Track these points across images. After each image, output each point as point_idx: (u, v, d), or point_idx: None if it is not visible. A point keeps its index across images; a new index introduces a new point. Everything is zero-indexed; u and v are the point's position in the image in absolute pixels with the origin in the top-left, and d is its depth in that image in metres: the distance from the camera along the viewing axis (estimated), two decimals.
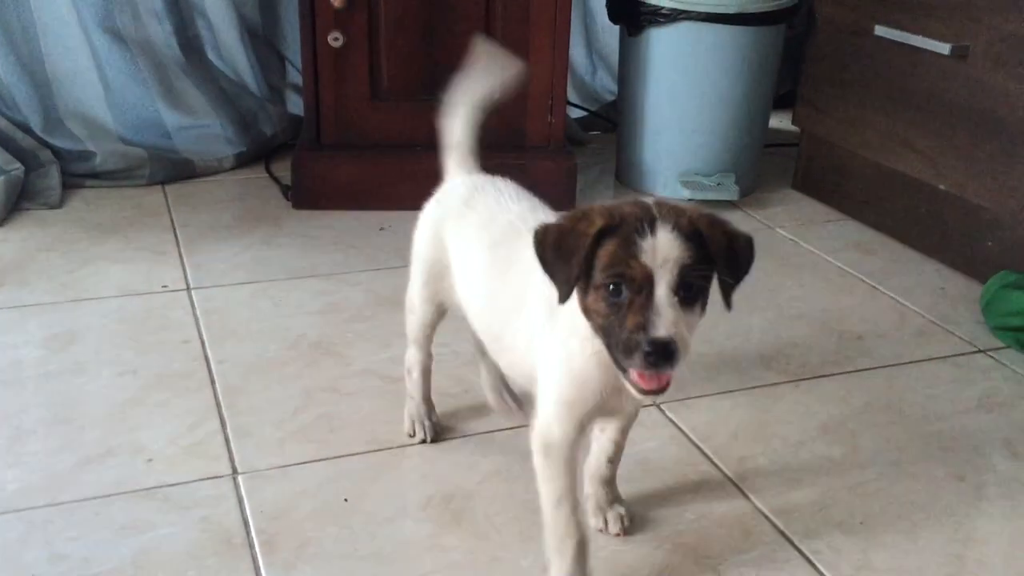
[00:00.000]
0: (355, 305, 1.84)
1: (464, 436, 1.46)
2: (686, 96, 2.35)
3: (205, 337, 1.69)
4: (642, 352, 0.92)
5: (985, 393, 1.62)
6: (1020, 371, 1.69)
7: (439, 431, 1.45)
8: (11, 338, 1.67)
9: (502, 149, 2.31)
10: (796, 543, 1.26)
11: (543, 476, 1.11)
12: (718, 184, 2.36)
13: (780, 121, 2.78)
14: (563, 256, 0.98)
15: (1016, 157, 1.88)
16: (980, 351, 1.76)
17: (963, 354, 1.75)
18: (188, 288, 1.87)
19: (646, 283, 0.94)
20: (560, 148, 2.34)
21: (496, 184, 1.33)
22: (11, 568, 1.16)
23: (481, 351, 1.42)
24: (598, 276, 0.96)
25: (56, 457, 1.37)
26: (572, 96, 2.79)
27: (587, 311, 0.99)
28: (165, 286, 1.87)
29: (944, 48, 1.96)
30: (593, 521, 1.27)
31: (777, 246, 2.19)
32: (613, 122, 2.75)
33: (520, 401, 1.46)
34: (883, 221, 2.26)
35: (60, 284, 1.87)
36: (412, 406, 1.46)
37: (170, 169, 2.37)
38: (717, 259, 0.97)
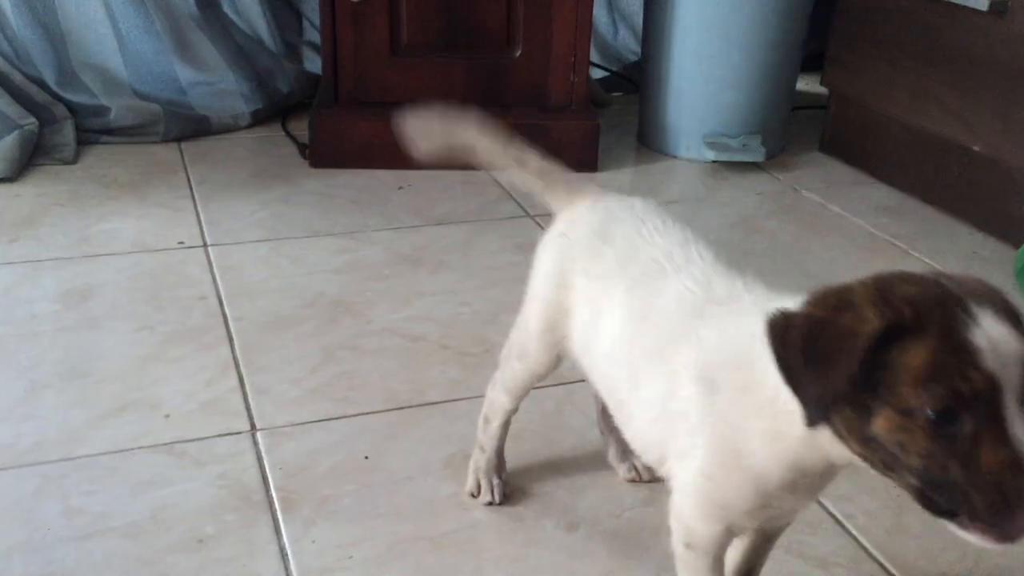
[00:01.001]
0: (374, 263, 1.81)
1: (483, 395, 1.43)
2: (712, 55, 2.30)
3: (222, 294, 1.67)
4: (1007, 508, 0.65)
5: None
6: None
7: (508, 492, 1.23)
8: (26, 292, 1.65)
9: (523, 108, 2.27)
10: (828, 507, 1.23)
11: (683, 566, 0.90)
12: (743, 145, 2.31)
13: (808, 83, 2.72)
14: (819, 364, 0.69)
15: None
16: None
17: None
18: (205, 245, 1.84)
19: (990, 399, 0.66)
20: (583, 108, 2.29)
21: (635, 210, 1.04)
22: (26, 522, 1.14)
23: (605, 419, 1.22)
24: (908, 397, 0.67)
25: (72, 411, 1.35)
26: (594, 56, 2.73)
27: (871, 444, 0.70)
28: (182, 242, 1.85)
29: (982, 4, 1.89)
30: None
31: (803, 209, 2.14)
32: (635, 83, 2.69)
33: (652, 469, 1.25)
34: (913, 183, 2.20)
35: (75, 239, 1.84)
36: (481, 460, 1.22)
37: (185, 126, 2.33)
38: None
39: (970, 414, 0.66)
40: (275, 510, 1.18)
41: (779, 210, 2.13)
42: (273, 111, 2.48)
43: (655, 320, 0.91)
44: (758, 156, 2.29)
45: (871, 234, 2.02)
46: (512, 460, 1.26)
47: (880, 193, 2.24)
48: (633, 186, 2.26)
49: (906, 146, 2.21)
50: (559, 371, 1.14)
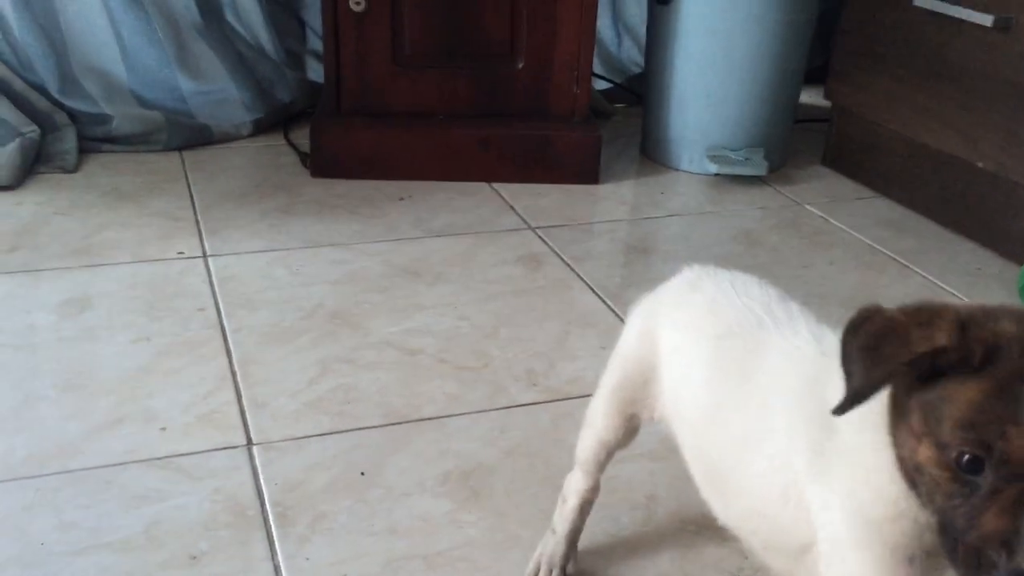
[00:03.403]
0: (373, 275, 1.80)
1: (482, 411, 1.42)
2: (715, 67, 2.29)
3: (221, 305, 1.66)
4: None
5: None
6: None
7: None
8: (24, 302, 1.64)
9: (526, 119, 2.26)
10: None
11: None
12: (746, 159, 2.31)
13: (811, 96, 2.71)
14: (870, 358, 0.66)
15: None
16: None
17: None
18: (204, 255, 1.84)
19: (1020, 466, 0.60)
20: (585, 120, 2.28)
21: (735, 272, 0.97)
22: (19, 536, 1.13)
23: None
24: (945, 432, 0.63)
25: (67, 424, 1.34)
26: (597, 67, 2.73)
27: (908, 462, 0.67)
28: (181, 253, 1.84)
29: (987, 20, 1.89)
30: None
31: (806, 223, 2.13)
32: (639, 95, 2.69)
33: None
34: (916, 199, 2.20)
35: (75, 249, 1.84)
36: (551, 544, 1.10)
37: (187, 134, 2.33)
38: None
39: (996, 473, 0.60)
40: (270, 526, 1.17)
41: (781, 224, 2.12)
42: (275, 120, 2.48)
43: (755, 374, 0.83)
44: (760, 170, 2.29)
45: (873, 249, 2.01)
46: (512, 476, 1.25)
47: (882, 208, 2.23)
48: (635, 198, 2.25)
49: (909, 161, 2.20)
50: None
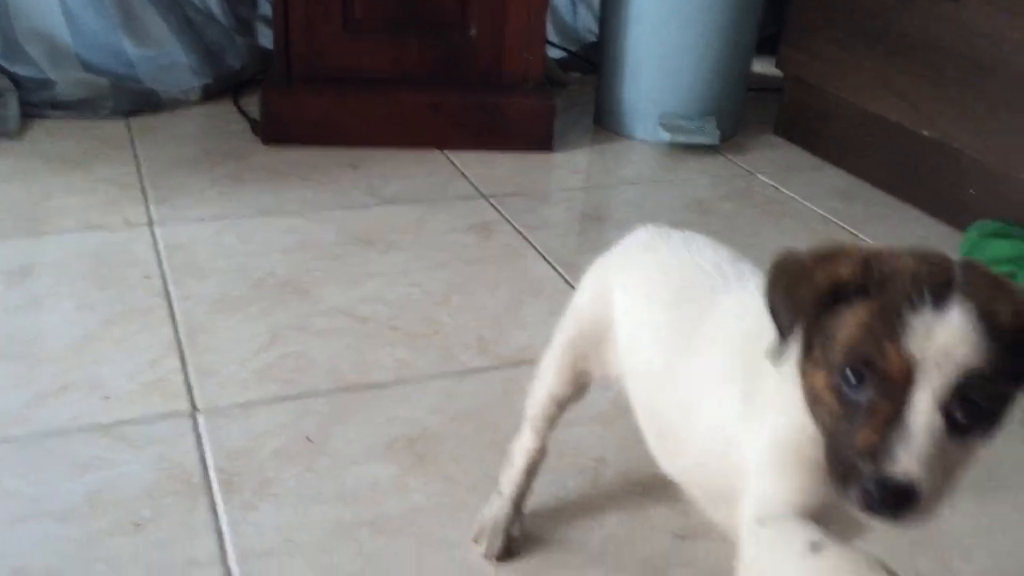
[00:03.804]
0: (325, 243, 1.79)
1: (432, 378, 1.42)
2: (668, 36, 2.29)
3: (168, 273, 1.64)
4: (860, 488, 0.62)
5: None
6: None
7: (515, 549, 1.10)
8: None
9: (478, 87, 2.25)
10: None
11: (769, 545, 0.71)
12: (699, 128, 2.31)
13: (764, 66, 2.72)
14: (789, 302, 0.68)
15: (1003, 104, 1.84)
16: None
17: None
18: (151, 223, 1.81)
19: (902, 384, 0.62)
20: (538, 87, 2.27)
21: (688, 233, 0.98)
22: None
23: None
24: (834, 353, 0.65)
25: (9, 392, 1.32)
26: (552, 36, 2.72)
27: (810, 396, 0.69)
28: (127, 220, 1.81)
29: None
30: None
31: (757, 192, 2.15)
32: (593, 63, 2.68)
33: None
34: (865, 168, 2.22)
35: (18, 216, 1.80)
36: (495, 507, 1.10)
37: (134, 100, 2.28)
38: None
39: (876, 391, 0.63)
40: (214, 493, 1.16)
41: (733, 193, 2.14)
42: (224, 86, 2.44)
43: (706, 332, 0.84)
44: (713, 138, 2.30)
45: (823, 218, 2.04)
46: (457, 441, 1.25)
47: (833, 177, 2.25)
48: (588, 167, 2.25)
49: (859, 130, 2.23)
50: None
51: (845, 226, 2.00)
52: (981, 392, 0.62)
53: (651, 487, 1.20)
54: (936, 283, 0.63)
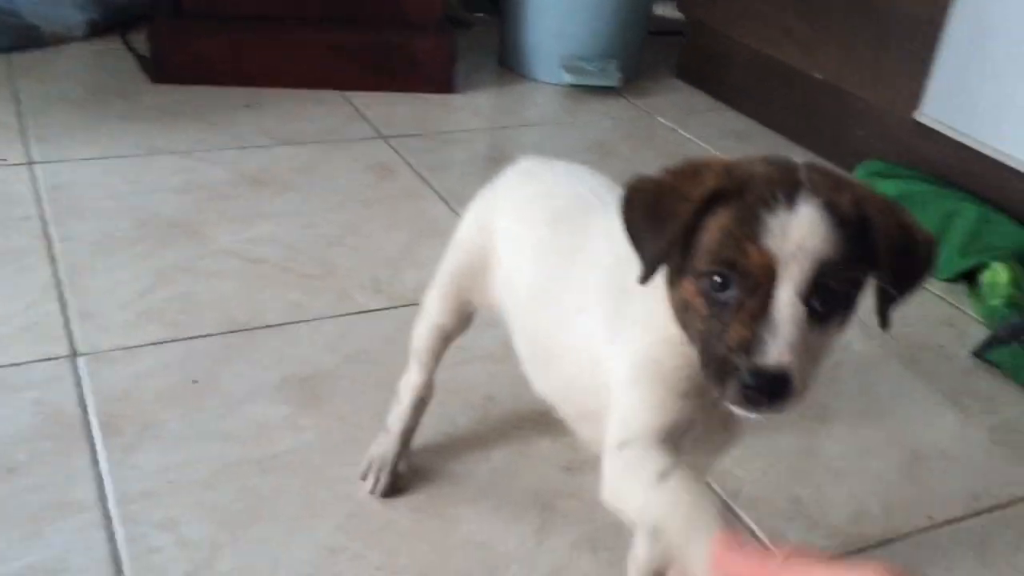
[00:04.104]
0: (216, 183, 1.74)
1: (325, 318, 1.41)
2: None
3: (48, 214, 1.58)
4: (738, 383, 0.64)
5: None
6: None
7: (402, 485, 1.11)
8: None
9: (377, 25, 2.20)
10: None
11: (624, 472, 0.73)
12: (600, 70, 2.31)
13: (666, 9, 2.73)
14: (654, 223, 0.69)
15: (889, 46, 1.88)
16: None
17: None
18: (30, 162, 1.73)
19: (764, 280, 0.65)
20: (440, 26, 2.24)
21: (568, 164, 0.99)
22: None
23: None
24: (700, 260, 0.68)
25: None
26: None
27: (679, 307, 0.71)
28: (4, 160, 1.73)
29: None
30: None
31: (657, 134, 2.17)
32: (497, 4, 2.65)
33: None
34: (761, 110, 2.26)
35: None
36: (383, 444, 1.11)
37: (13, 35, 2.17)
38: (884, 260, 0.67)
39: (741, 289, 0.66)
40: (93, 436, 1.13)
41: (633, 135, 2.15)
42: (112, 22, 2.34)
43: (582, 256, 0.86)
44: (614, 81, 2.30)
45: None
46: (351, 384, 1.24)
47: (731, 119, 2.29)
48: (490, 108, 2.24)
49: (755, 73, 2.26)
50: None
51: None
52: (835, 279, 0.65)
53: (539, 423, 1.22)
54: (786, 185, 0.66)
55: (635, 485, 0.70)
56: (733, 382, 0.65)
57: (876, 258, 0.67)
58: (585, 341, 0.82)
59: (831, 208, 0.65)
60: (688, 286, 0.69)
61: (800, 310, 0.64)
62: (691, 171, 0.70)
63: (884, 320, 0.72)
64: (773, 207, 0.65)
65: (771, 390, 0.64)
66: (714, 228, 0.67)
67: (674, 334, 0.73)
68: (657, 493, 0.68)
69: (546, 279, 0.89)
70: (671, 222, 0.68)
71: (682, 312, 0.71)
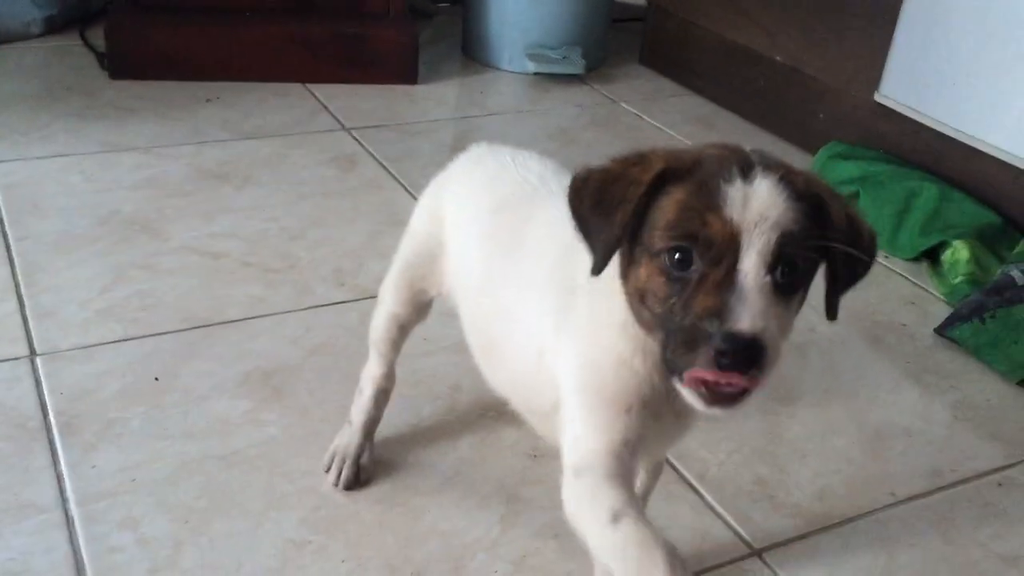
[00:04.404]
0: (176, 179, 1.72)
1: (288, 312, 1.40)
2: None
3: (4, 212, 1.56)
4: (711, 347, 0.62)
5: None
6: None
7: (366, 476, 1.10)
8: None
9: (338, 17, 2.19)
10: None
11: (580, 503, 0.72)
12: (564, 57, 2.31)
13: None
14: (604, 211, 0.69)
15: (849, 28, 1.89)
16: None
17: None
18: None
19: (728, 250, 0.64)
20: (401, 17, 2.22)
21: (517, 150, 0.97)
22: None
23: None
24: (656, 239, 0.67)
25: None
26: None
27: (635, 295, 0.69)
28: None
29: None
30: None
31: (620, 120, 2.17)
32: None
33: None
34: (724, 95, 2.26)
35: None
36: (346, 436, 1.11)
37: None
38: (837, 239, 0.68)
39: (704, 261, 0.65)
40: (53, 436, 1.12)
41: (596, 122, 2.15)
42: (69, 18, 2.31)
43: (526, 245, 0.85)
44: (578, 68, 2.30)
45: (682, 144, 2.07)
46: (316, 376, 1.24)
47: (694, 105, 2.29)
48: (454, 98, 2.23)
49: (718, 58, 2.26)
50: None
51: None
52: (797, 250, 0.65)
53: (505, 412, 1.20)
54: (740, 162, 0.67)
55: (591, 520, 0.71)
56: (704, 348, 0.63)
57: (830, 236, 0.67)
58: (529, 335, 0.82)
59: (789, 184, 0.66)
60: (645, 268, 0.68)
61: (765, 279, 0.64)
62: (636, 158, 0.70)
63: (832, 310, 0.72)
64: (730, 179, 0.65)
65: (747, 355, 0.62)
66: (669, 205, 0.67)
67: (617, 335, 0.73)
68: (611, 534, 0.69)
69: (491, 270, 0.89)
70: (622, 207, 0.68)
71: (638, 300, 0.69)
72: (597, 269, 0.70)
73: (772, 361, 0.63)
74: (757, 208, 0.64)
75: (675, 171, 0.67)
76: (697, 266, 0.65)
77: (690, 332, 0.64)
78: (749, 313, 0.63)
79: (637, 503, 0.71)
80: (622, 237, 0.69)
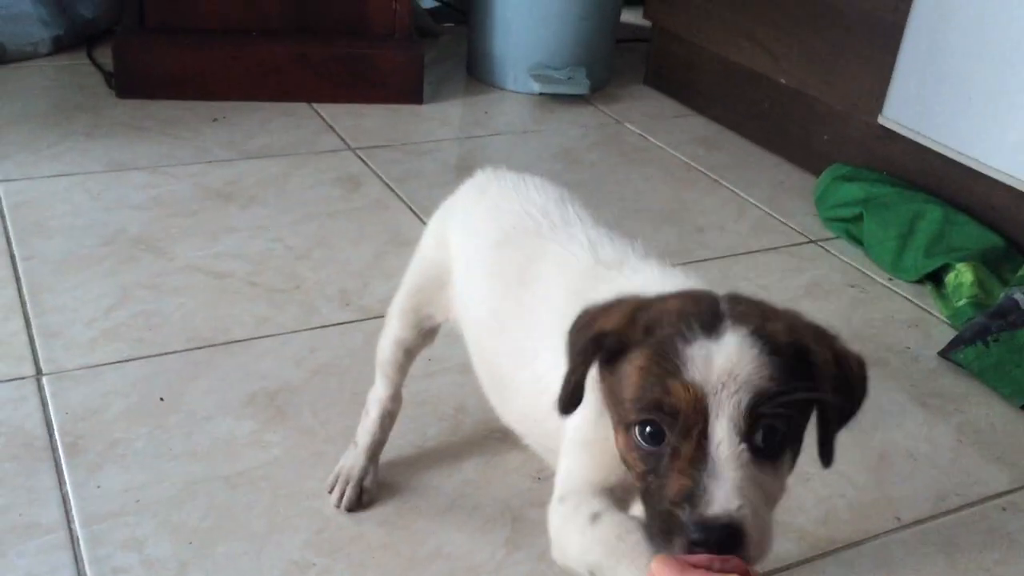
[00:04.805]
0: (181, 199, 1.73)
1: (293, 332, 1.40)
2: None
3: (11, 231, 1.56)
4: (684, 540, 0.58)
5: (813, 281, 1.67)
6: (846, 260, 1.75)
7: (369, 498, 1.10)
8: None
9: (343, 37, 2.20)
10: None
11: (564, 519, 0.71)
12: (569, 78, 2.32)
13: (634, 16, 2.74)
14: (570, 350, 0.68)
15: (851, 50, 1.90)
16: (811, 241, 1.80)
17: (795, 244, 1.79)
18: None
19: (697, 419, 0.60)
20: (406, 37, 2.24)
21: (523, 176, 0.96)
22: None
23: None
24: (625, 411, 0.63)
25: None
26: None
27: (621, 457, 0.67)
28: None
29: None
30: None
31: (625, 141, 2.18)
32: (466, 13, 2.65)
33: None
34: (728, 116, 2.27)
35: None
36: (351, 457, 1.10)
37: None
38: (826, 389, 0.63)
39: (674, 434, 0.60)
40: (59, 456, 1.12)
41: (601, 142, 2.16)
42: (77, 38, 2.33)
43: (528, 281, 0.84)
44: (583, 88, 2.31)
45: (687, 165, 2.08)
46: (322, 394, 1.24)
47: (698, 125, 2.30)
48: (460, 119, 2.24)
49: (722, 79, 2.27)
50: None
51: (708, 173, 2.05)
52: (775, 410, 0.60)
53: (510, 433, 1.21)
54: (704, 315, 0.62)
55: (572, 532, 0.69)
56: (679, 539, 0.58)
57: (816, 387, 0.63)
58: (537, 377, 0.80)
59: (762, 336, 0.61)
60: (622, 438, 0.64)
61: (739, 448, 0.59)
62: (607, 307, 0.67)
63: (827, 455, 0.67)
64: (691, 338, 0.60)
65: (721, 543, 0.57)
66: (632, 373, 0.62)
67: (597, 417, 0.71)
68: (591, 532, 0.67)
69: (497, 306, 0.88)
70: (580, 351, 0.66)
71: (624, 463, 0.66)
72: (562, 409, 0.68)
73: (755, 540, 0.58)
74: (723, 367, 0.59)
75: (625, 332, 0.64)
76: (668, 439, 0.61)
77: (665, 519, 0.59)
78: (722, 492, 0.58)
79: (620, 510, 0.69)
80: (578, 380, 0.66)
